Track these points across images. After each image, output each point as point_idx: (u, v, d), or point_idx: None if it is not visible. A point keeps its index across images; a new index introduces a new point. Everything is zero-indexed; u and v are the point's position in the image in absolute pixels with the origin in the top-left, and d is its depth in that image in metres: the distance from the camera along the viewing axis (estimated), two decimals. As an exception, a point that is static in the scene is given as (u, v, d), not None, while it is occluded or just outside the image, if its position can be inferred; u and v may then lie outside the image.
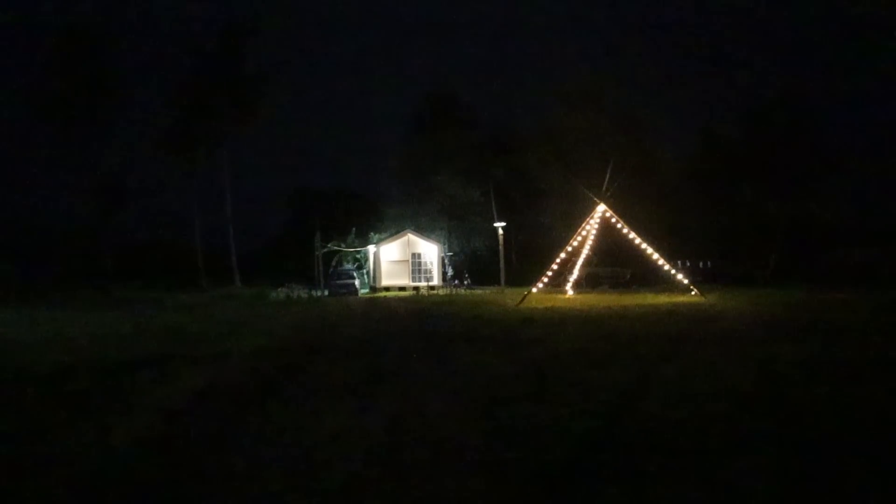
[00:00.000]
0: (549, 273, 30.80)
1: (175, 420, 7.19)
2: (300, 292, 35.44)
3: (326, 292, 35.74)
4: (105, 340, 14.99)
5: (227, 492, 5.05)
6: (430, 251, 39.92)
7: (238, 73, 46.61)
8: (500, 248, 40.93)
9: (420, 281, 38.88)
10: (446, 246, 40.97)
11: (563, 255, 30.86)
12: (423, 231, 41.23)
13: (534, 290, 30.23)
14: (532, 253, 37.40)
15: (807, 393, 8.01)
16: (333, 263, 41.69)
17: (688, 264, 31.66)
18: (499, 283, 38.88)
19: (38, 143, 48.05)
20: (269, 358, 11.77)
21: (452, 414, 7.24)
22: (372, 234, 42.25)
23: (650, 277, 30.99)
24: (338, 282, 36.64)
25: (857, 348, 11.46)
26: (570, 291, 29.52)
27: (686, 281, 28.82)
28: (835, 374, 9.17)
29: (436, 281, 39.03)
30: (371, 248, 40.49)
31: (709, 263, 37.82)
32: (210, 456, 5.88)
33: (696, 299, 25.29)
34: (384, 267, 39.36)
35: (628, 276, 33.65)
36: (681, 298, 25.55)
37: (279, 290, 35.84)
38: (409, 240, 39.89)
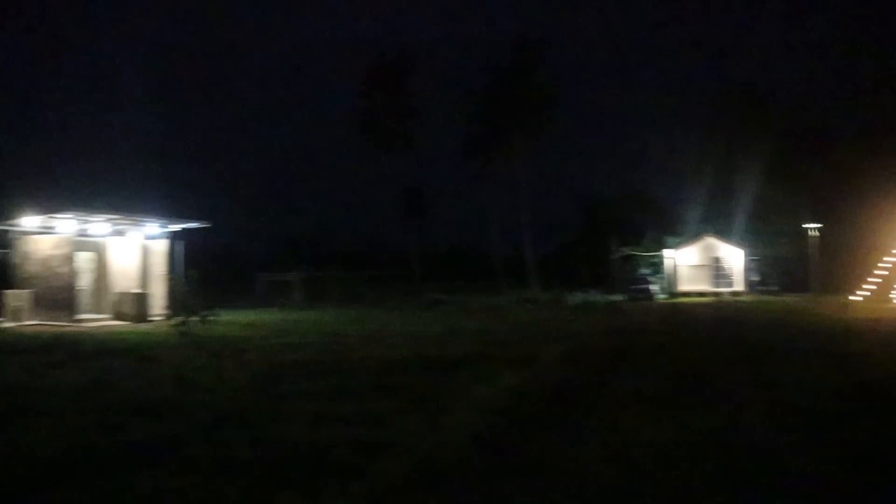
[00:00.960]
0: (873, 280, 27.69)
1: (495, 417, 7.56)
2: (596, 297, 35.49)
3: (622, 297, 35.42)
4: (422, 339, 16.22)
5: (550, 490, 5.21)
6: (732, 255, 37.89)
7: (530, 86, 48.07)
8: (812, 251, 37.65)
9: (721, 286, 37.05)
10: (750, 249, 38.51)
11: (891, 258, 27.59)
12: (724, 234, 39.20)
13: (855, 298, 27.39)
14: (848, 257, 33.81)
15: None
16: (629, 268, 41.17)
17: None
18: (809, 290, 35.77)
19: (353, 160, 53.73)
20: (577, 362, 11.93)
21: (777, 431, 6.82)
22: (668, 237, 41.04)
23: None
24: (634, 287, 36.17)
25: None
26: (900, 301, 26.19)
27: None
28: None
29: (738, 286, 36.93)
30: (668, 253, 39.37)
31: None
32: (531, 454, 6.12)
33: None
34: (682, 271, 38.12)
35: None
36: None
37: (574, 294, 36.16)
38: (708, 243, 38.22)
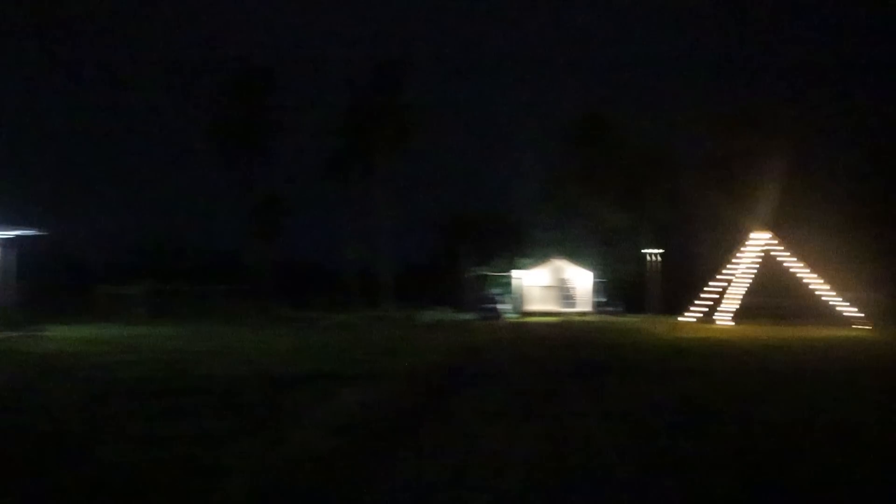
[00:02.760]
0: (703, 302, 29.81)
1: (336, 436, 7.57)
2: (448, 316, 36.02)
3: (473, 316, 36.12)
4: (268, 356, 15.90)
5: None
6: (579, 277, 39.56)
7: (393, 103, 48.50)
8: (651, 274, 40.01)
9: (567, 307, 38.55)
10: (595, 272, 40.38)
11: (717, 283, 29.81)
12: (572, 256, 40.90)
13: (686, 319, 29.37)
14: (685, 281, 36.25)
15: None
16: (480, 288, 42.09)
17: (858, 295, 29.55)
18: (649, 311, 37.95)
19: (205, 169, 52.22)
20: (420, 380, 12.10)
21: (605, 444, 7.22)
22: (519, 258, 42.36)
23: (813, 309, 29.21)
24: (484, 306, 37.01)
25: None
26: (723, 322, 28.37)
27: (854, 313, 27.03)
28: None
29: (584, 307, 38.60)
30: (518, 273, 40.60)
31: (883, 294, 35.15)
32: (372, 472, 6.17)
33: (867, 334, 23.64)
34: (531, 292, 39.38)
35: (788, 307, 31.93)
36: (848, 333, 23.96)
37: (427, 312, 36.57)
38: (557, 265, 39.71)
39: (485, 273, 42.59)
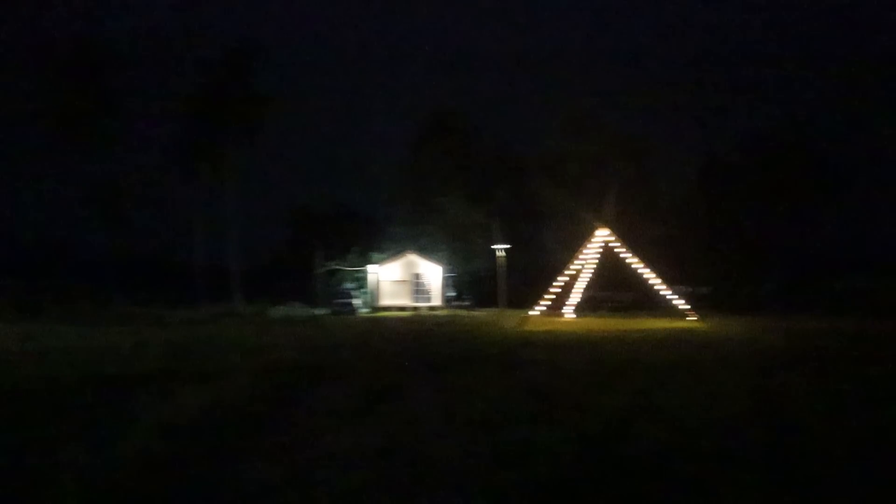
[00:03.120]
0: (549, 296, 30.92)
1: (176, 437, 7.27)
2: (300, 311, 35.49)
3: (326, 311, 35.81)
4: (106, 356, 15.05)
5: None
6: (431, 272, 40.01)
7: (243, 91, 46.98)
8: (500, 270, 41.09)
9: (420, 301, 38.93)
10: (447, 267, 40.99)
11: (563, 278, 31.01)
12: (425, 251, 41.30)
13: (533, 312, 30.36)
14: (533, 275, 37.51)
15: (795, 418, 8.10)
16: (334, 283, 41.75)
17: (687, 289, 31.80)
18: (499, 305, 38.96)
19: (39, 155, 48.48)
20: (270, 377, 11.82)
21: (451, 435, 7.33)
22: (373, 253, 42.33)
23: (649, 302, 31.18)
24: (337, 301, 36.74)
25: (844, 378, 11.51)
26: (569, 314, 29.61)
27: (684, 306, 28.90)
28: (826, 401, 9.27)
29: (436, 302, 39.09)
30: (372, 268, 40.58)
31: (708, 289, 37.98)
32: (211, 475, 5.97)
33: (695, 325, 25.35)
34: (384, 287, 39.46)
35: (628, 301, 33.81)
36: (679, 324, 25.61)
37: (278, 308, 35.87)
38: (409, 260, 39.98)
39: (338, 268, 42.26)
